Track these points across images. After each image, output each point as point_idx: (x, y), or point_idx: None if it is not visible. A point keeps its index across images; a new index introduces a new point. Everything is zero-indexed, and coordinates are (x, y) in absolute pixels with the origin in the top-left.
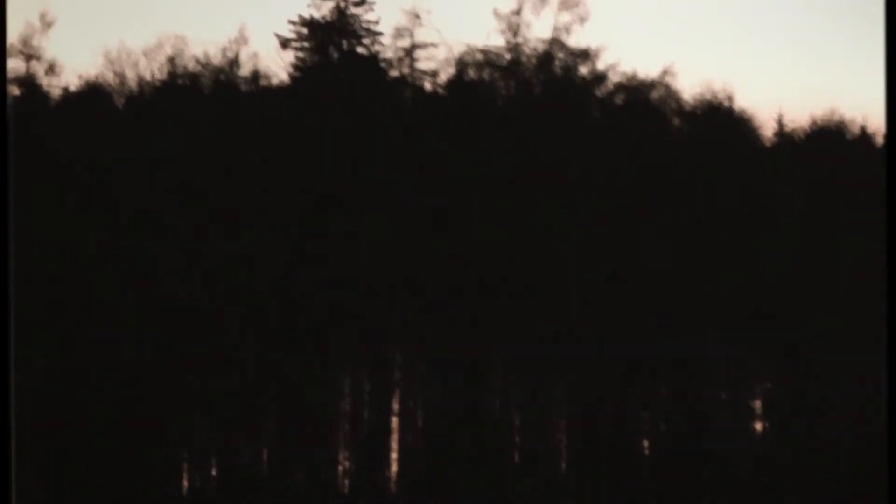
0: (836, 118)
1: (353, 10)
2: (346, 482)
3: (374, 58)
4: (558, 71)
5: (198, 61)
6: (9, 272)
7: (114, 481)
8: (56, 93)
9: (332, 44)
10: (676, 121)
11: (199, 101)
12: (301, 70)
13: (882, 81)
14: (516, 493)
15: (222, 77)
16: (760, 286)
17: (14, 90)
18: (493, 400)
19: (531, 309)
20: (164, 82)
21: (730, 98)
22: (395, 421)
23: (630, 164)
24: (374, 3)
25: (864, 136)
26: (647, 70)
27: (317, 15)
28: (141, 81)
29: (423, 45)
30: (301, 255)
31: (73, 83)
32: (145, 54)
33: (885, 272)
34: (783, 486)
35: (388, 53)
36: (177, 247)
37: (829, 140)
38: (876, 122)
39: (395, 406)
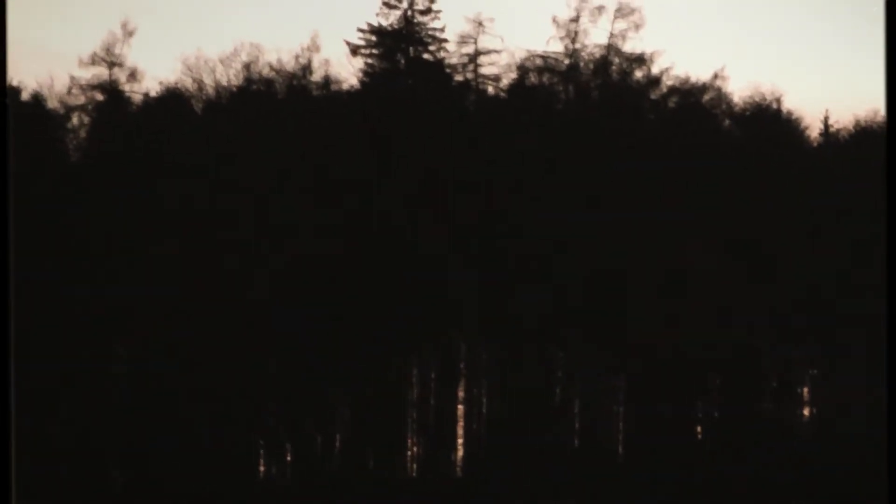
0: (879, 118)
1: (420, 18)
2: (415, 466)
3: (439, 63)
4: (614, 75)
5: (272, 67)
6: (9, 271)
7: (191, 469)
8: (137, 98)
9: (399, 50)
10: (727, 122)
11: (273, 105)
12: (370, 76)
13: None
14: (576, 475)
15: (295, 82)
16: (805, 281)
17: (97, 96)
18: (554, 388)
19: (590, 302)
20: (239, 88)
21: (778, 100)
22: (460, 408)
23: (682, 164)
24: (439, 11)
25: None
26: (700, 74)
27: (385, 23)
28: (218, 87)
29: (486, 52)
30: (370, 251)
31: (154, 89)
32: (222, 61)
33: (886, 272)
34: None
35: (453, 59)
36: (249, 238)
37: (872, 138)
38: None
39: (461, 394)
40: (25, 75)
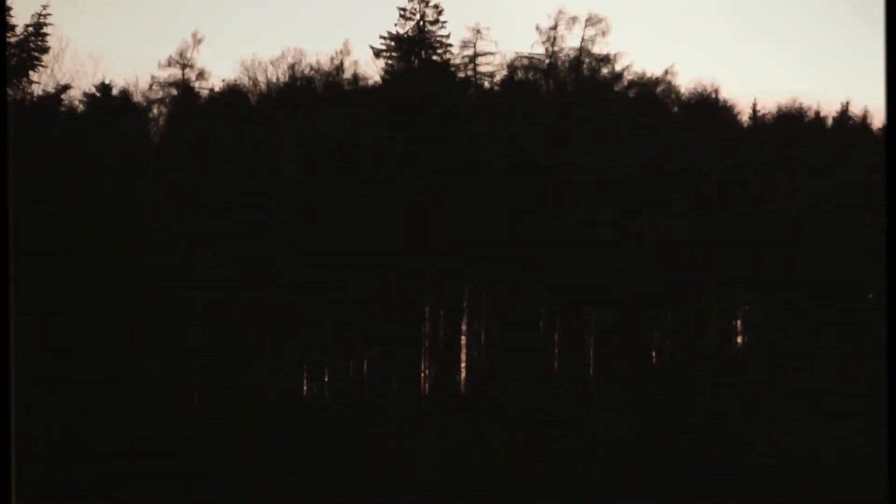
0: (797, 104)
1: (430, 27)
2: (427, 386)
3: (445, 64)
4: (586, 72)
5: (312, 67)
6: (8, 271)
7: (249, 392)
8: (204, 93)
9: (413, 53)
10: (675, 109)
11: (312, 97)
12: (390, 73)
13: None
14: (556, 390)
15: (330, 79)
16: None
17: (172, 91)
18: (538, 323)
19: (571, 258)
20: (286, 84)
21: (716, 91)
22: (463, 339)
23: (640, 145)
24: (445, 21)
25: (820, 119)
26: (653, 70)
27: (402, 31)
28: (269, 83)
29: (483, 54)
30: (396, 219)
31: (218, 85)
32: (272, 63)
33: (886, 272)
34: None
35: (456, 60)
36: (297, 199)
37: (792, 123)
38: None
39: (464, 327)
40: (116, 76)
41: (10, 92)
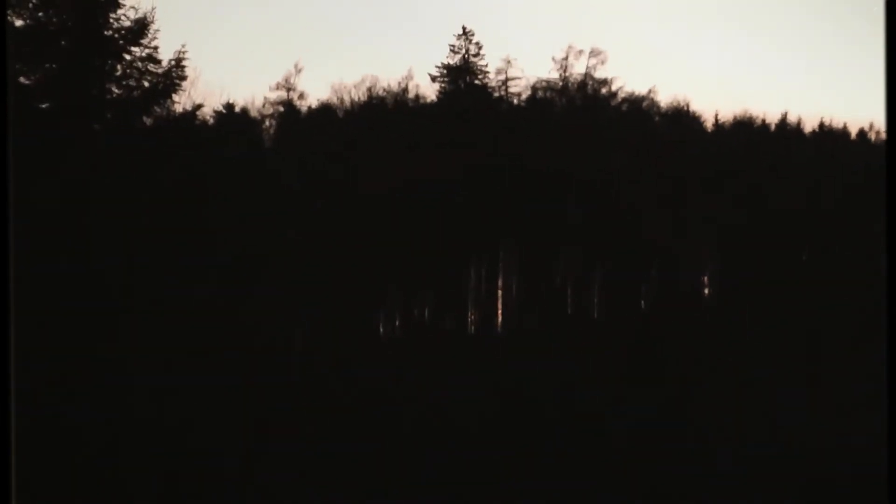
0: (748, 114)
1: (472, 59)
2: (473, 327)
3: (484, 87)
4: (590, 91)
5: (384, 89)
6: (8, 269)
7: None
8: (304, 110)
9: (460, 79)
10: (657, 119)
11: (384, 113)
12: (443, 94)
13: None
14: (569, 328)
15: (398, 98)
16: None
17: (280, 108)
18: (555, 279)
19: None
20: (365, 102)
21: (687, 104)
22: (499, 292)
23: (630, 147)
24: (484, 54)
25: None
26: (640, 89)
27: (451, 62)
28: (352, 102)
29: (513, 78)
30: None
31: (314, 104)
32: (355, 86)
33: (886, 273)
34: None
35: (492, 84)
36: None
37: (747, 130)
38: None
39: (500, 282)
40: (238, 97)
41: (157, 109)
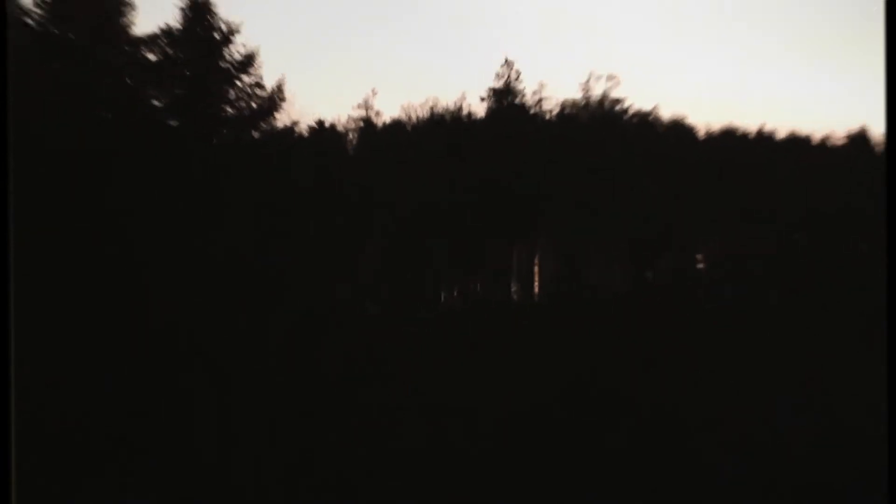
0: (733, 123)
1: (513, 83)
2: (515, 296)
3: (523, 105)
4: (607, 108)
5: (443, 108)
6: (9, 269)
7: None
8: (380, 126)
9: (504, 100)
10: (662, 128)
11: (442, 130)
12: (491, 112)
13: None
14: (589, 294)
15: (455, 115)
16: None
17: (360, 124)
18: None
19: (603, 222)
20: (427, 119)
21: (683, 118)
22: (536, 268)
23: (640, 153)
24: (523, 79)
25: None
26: (646, 106)
27: (497, 86)
28: (418, 119)
29: (546, 98)
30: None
31: (386, 121)
32: (419, 105)
33: (886, 273)
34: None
35: (529, 103)
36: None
37: (731, 137)
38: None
39: (536, 259)
40: (327, 114)
41: (263, 125)
